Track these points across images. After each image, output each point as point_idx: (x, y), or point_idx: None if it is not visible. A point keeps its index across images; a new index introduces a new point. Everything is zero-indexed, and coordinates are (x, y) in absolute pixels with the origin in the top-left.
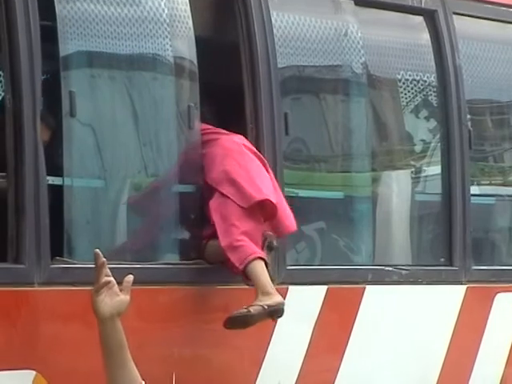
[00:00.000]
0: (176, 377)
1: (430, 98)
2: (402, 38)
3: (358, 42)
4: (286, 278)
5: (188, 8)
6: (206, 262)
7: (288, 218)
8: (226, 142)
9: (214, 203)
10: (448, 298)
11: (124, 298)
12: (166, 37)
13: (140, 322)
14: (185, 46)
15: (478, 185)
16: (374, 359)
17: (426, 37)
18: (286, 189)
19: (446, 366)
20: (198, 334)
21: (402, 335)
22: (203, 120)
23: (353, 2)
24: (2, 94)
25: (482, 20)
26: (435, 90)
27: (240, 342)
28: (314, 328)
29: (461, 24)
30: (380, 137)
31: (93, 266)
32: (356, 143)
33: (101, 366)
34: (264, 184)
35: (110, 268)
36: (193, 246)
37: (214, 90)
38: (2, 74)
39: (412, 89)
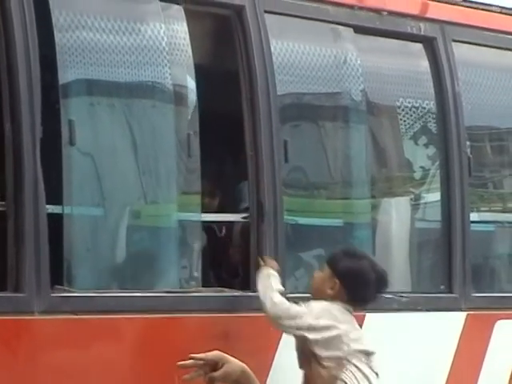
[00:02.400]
0: None
1: (429, 124)
2: (401, 66)
3: (358, 70)
4: None
5: (187, 36)
6: None
7: None
8: None
9: None
10: (448, 325)
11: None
12: (166, 65)
13: (141, 350)
14: (184, 74)
15: (478, 211)
16: None
17: (425, 64)
18: (285, 216)
19: None
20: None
21: (402, 362)
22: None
23: (352, 30)
24: None
25: (481, 47)
26: (434, 116)
27: None
28: None
29: (460, 51)
30: (379, 164)
31: (93, 294)
32: (355, 170)
33: None
34: None
35: (110, 297)
36: (192, 273)
37: (214, 117)
38: None
39: (411, 116)
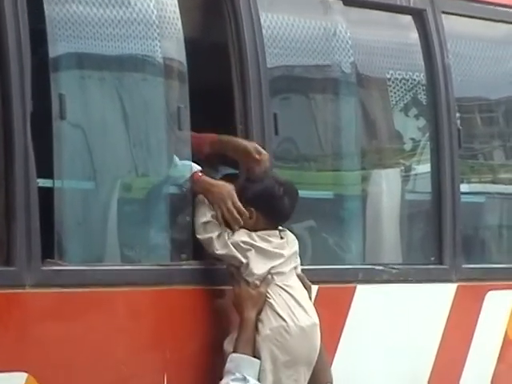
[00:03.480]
0: (167, 378)
1: (419, 96)
2: (390, 38)
3: (347, 42)
4: None
5: (177, 9)
6: None
7: None
8: None
9: None
10: (438, 297)
11: None
12: (156, 38)
13: (132, 323)
14: (174, 48)
15: (468, 183)
16: (364, 358)
17: (414, 36)
18: None
19: (437, 365)
20: (189, 336)
21: (393, 334)
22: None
23: (341, 2)
24: None
25: (470, 19)
26: (424, 88)
27: None
28: None
29: (449, 23)
30: (369, 136)
31: (84, 268)
32: (345, 142)
33: (93, 368)
34: None
35: (101, 270)
36: (183, 246)
37: (204, 90)
38: None
39: (401, 88)
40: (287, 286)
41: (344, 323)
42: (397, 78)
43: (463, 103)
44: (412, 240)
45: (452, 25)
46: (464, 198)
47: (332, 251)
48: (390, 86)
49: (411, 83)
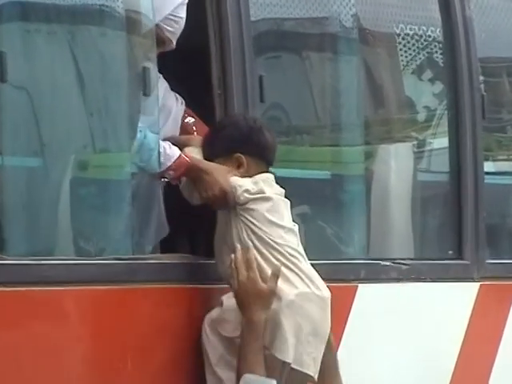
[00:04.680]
0: None
1: (435, 56)
2: None
3: None
4: None
5: None
6: None
7: None
8: None
9: None
10: (458, 298)
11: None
12: None
13: (87, 329)
14: None
15: (494, 160)
16: (368, 371)
17: None
18: None
19: (457, 377)
20: (156, 345)
21: (403, 342)
22: None
23: None
24: None
25: None
26: (441, 46)
27: None
28: None
29: None
30: (375, 103)
31: (29, 262)
32: (346, 111)
33: (36, 377)
34: None
35: (50, 265)
36: (150, 237)
37: (175, 49)
38: None
39: (414, 45)
40: (303, 253)
41: (343, 330)
42: (408, 34)
43: (488, 64)
44: (426, 230)
45: None
46: (488, 179)
47: (329, 243)
48: (400, 43)
49: (426, 40)
